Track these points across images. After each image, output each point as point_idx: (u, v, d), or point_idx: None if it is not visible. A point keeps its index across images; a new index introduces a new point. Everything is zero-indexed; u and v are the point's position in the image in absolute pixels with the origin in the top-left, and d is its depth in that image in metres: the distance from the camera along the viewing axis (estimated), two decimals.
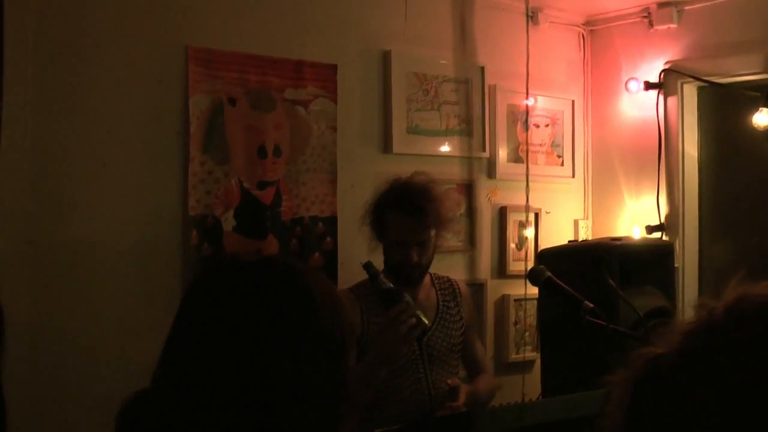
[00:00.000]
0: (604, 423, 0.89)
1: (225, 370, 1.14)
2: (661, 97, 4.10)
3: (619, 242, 3.55)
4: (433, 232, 2.90)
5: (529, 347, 4.08)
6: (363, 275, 2.87)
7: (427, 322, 2.72)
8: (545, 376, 3.57)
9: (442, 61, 3.86)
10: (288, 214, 3.35)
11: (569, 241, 4.05)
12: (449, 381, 2.84)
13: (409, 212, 2.85)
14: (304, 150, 3.41)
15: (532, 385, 3.81)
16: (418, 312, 2.67)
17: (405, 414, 2.77)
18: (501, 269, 4.08)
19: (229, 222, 3.20)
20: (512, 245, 4.10)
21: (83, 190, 2.89)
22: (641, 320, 2.96)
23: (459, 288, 3.10)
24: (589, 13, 4.39)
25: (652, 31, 4.14)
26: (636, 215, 4.23)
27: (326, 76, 3.47)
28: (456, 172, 3.87)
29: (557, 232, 4.21)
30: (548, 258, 3.44)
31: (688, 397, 0.81)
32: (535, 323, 3.97)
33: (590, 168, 4.47)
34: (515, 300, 4.05)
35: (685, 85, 4.07)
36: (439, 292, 3.03)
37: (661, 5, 4.06)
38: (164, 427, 1.14)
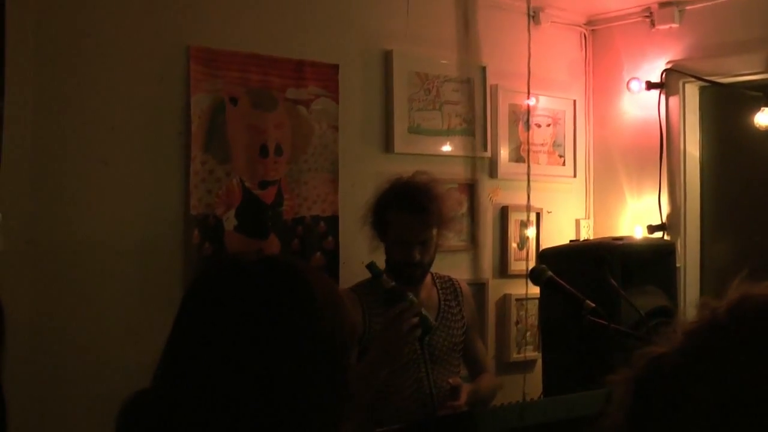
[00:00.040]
0: (605, 422, 0.89)
1: (226, 370, 1.14)
2: (663, 97, 4.10)
3: (620, 242, 3.55)
4: (435, 231, 2.90)
5: (530, 347, 4.08)
6: (364, 275, 2.87)
7: (433, 321, 2.72)
8: (546, 375, 3.57)
9: (444, 61, 3.86)
10: (289, 214, 3.35)
11: (571, 241, 4.05)
12: (450, 380, 2.84)
13: (411, 211, 2.85)
14: (306, 149, 3.40)
15: (533, 384, 3.80)
16: (423, 311, 2.68)
17: (406, 413, 2.77)
18: (502, 269, 4.07)
19: (230, 221, 3.20)
20: (514, 245, 4.10)
21: (84, 189, 2.89)
22: (643, 320, 2.96)
23: (460, 287, 3.10)
24: (591, 12, 4.38)
25: (653, 30, 4.13)
26: (637, 215, 4.22)
27: (328, 76, 3.46)
28: (457, 172, 3.87)
29: (559, 232, 4.21)
30: (550, 258, 3.44)
31: (690, 396, 0.81)
32: (536, 323, 3.97)
33: (592, 168, 4.47)
34: (517, 299, 4.05)
35: (686, 85, 4.07)
36: (440, 292, 3.03)
37: (662, 5, 4.06)
38: (165, 427, 1.14)
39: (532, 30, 4.04)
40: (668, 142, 4.09)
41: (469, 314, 3.09)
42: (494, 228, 4.06)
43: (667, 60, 4.09)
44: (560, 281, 2.63)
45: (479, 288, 3.92)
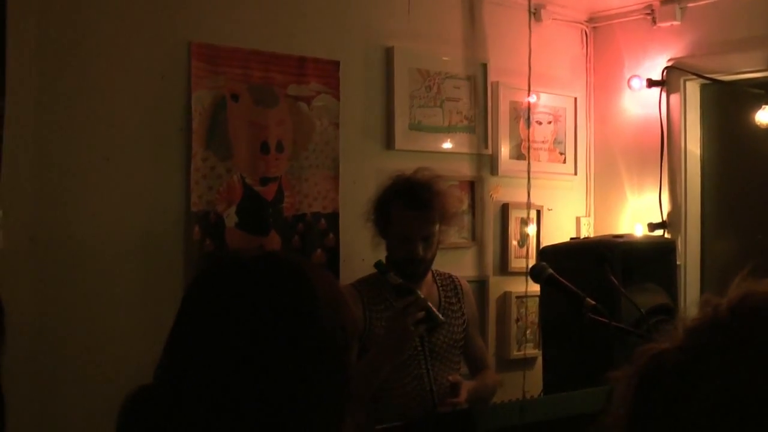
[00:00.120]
0: (606, 420, 0.89)
1: (226, 368, 1.14)
2: (664, 95, 4.10)
3: (621, 239, 3.55)
4: (437, 228, 2.90)
5: (530, 344, 4.08)
6: (365, 272, 2.87)
7: (441, 317, 2.73)
8: (547, 373, 3.57)
9: (445, 58, 3.86)
10: (290, 211, 3.35)
11: (571, 239, 4.05)
12: (450, 377, 2.84)
13: (414, 207, 2.85)
14: (307, 146, 3.40)
15: (533, 382, 3.81)
16: (431, 307, 2.69)
17: (406, 410, 2.78)
18: (503, 266, 4.07)
19: (231, 218, 3.20)
20: (514, 242, 4.10)
21: (85, 186, 2.89)
22: (643, 317, 2.97)
23: (460, 284, 3.11)
24: (592, 9, 4.38)
25: (655, 28, 4.13)
26: (638, 212, 4.22)
27: (329, 73, 3.46)
28: (458, 169, 3.87)
29: (559, 229, 4.21)
30: (550, 255, 3.44)
31: (692, 393, 0.81)
32: (536, 320, 3.98)
33: (592, 165, 4.46)
34: (517, 297, 4.05)
35: (687, 83, 4.07)
36: (440, 289, 3.03)
37: (664, 2, 4.06)
38: (166, 424, 1.14)
39: (533, 27, 4.05)
40: (669, 140, 4.09)
41: (470, 311, 3.09)
42: (495, 225, 4.06)
43: (669, 57, 4.09)
44: (561, 279, 2.63)
45: (480, 285, 3.93)
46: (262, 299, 1.18)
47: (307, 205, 3.40)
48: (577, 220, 4.39)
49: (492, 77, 4.02)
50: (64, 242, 2.83)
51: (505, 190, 4.07)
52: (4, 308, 1.37)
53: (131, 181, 2.98)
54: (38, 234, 2.78)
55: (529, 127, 4.14)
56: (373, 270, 2.87)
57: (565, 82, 4.35)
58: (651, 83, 4.11)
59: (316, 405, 1.16)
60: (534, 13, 4.12)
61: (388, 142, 3.67)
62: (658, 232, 4.07)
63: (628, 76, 4.20)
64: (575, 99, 4.38)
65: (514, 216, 4.09)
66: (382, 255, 2.95)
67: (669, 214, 4.09)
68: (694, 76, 4.02)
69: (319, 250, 3.43)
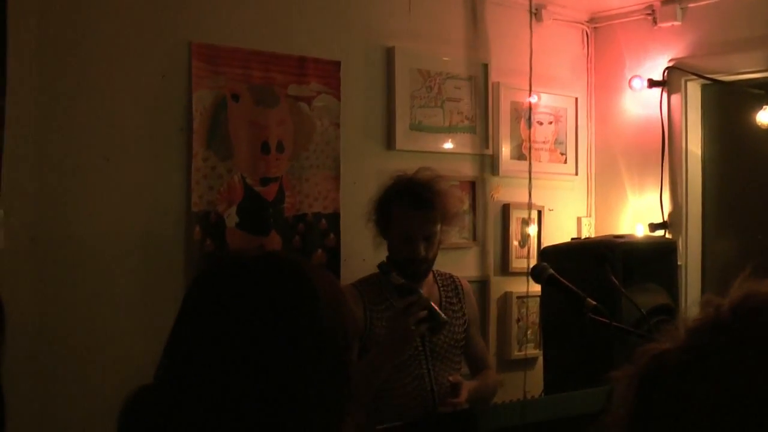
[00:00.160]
0: (607, 420, 0.89)
1: (227, 368, 1.14)
2: (665, 95, 4.10)
3: (622, 240, 3.55)
4: (438, 227, 2.90)
5: (531, 344, 4.08)
6: (366, 271, 2.87)
7: (444, 316, 2.73)
8: (548, 373, 3.57)
9: (446, 58, 3.86)
10: (291, 211, 3.35)
11: (572, 239, 4.05)
12: (451, 378, 2.84)
13: (416, 207, 2.86)
14: (307, 146, 3.40)
15: (534, 382, 3.81)
16: (435, 307, 2.69)
17: (407, 410, 2.78)
18: (504, 266, 4.07)
19: (232, 218, 3.20)
20: (515, 242, 4.10)
21: (86, 186, 2.89)
22: (644, 318, 2.97)
23: (461, 285, 3.10)
24: (593, 10, 4.38)
25: (655, 28, 4.13)
26: (639, 213, 4.22)
27: (329, 73, 3.46)
28: (459, 169, 3.87)
29: (560, 230, 4.21)
30: (551, 255, 3.44)
31: (693, 393, 0.81)
32: (537, 320, 3.97)
33: (593, 165, 4.46)
34: (518, 297, 4.05)
35: (688, 83, 4.07)
36: (441, 289, 3.03)
37: (665, 2, 4.06)
38: (166, 424, 1.14)
39: (534, 27, 4.04)
40: (670, 140, 4.08)
41: (471, 311, 3.09)
42: (496, 225, 4.06)
43: (669, 58, 4.09)
44: (561, 279, 2.63)
45: (481, 285, 3.93)
46: (263, 299, 1.18)
47: (307, 206, 3.40)
48: (578, 220, 4.39)
49: (493, 77, 4.02)
50: (64, 242, 2.83)
51: (506, 190, 4.07)
52: (4, 308, 1.37)
53: (131, 181, 2.98)
54: (38, 234, 2.78)
55: (530, 127, 4.14)
56: (374, 270, 2.87)
57: (566, 82, 4.35)
58: (652, 83, 4.11)
59: (316, 405, 1.16)
60: (535, 14, 4.12)
61: (389, 143, 3.67)
62: (659, 233, 4.07)
63: (629, 77, 4.20)
64: (576, 99, 4.38)
65: (515, 216, 4.09)
66: (383, 255, 2.95)
67: (670, 215, 4.09)
68: (695, 77, 4.02)
69: (319, 251, 3.43)
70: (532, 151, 4.13)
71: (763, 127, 3.79)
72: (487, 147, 4.00)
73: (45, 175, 2.80)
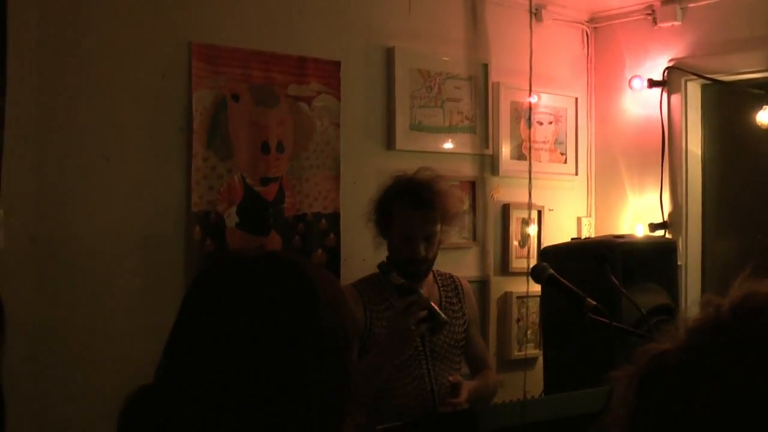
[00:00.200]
0: (607, 420, 0.89)
1: (227, 368, 1.14)
2: (665, 95, 4.10)
3: (622, 240, 3.55)
4: (438, 227, 2.90)
5: (531, 344, 4.08)
6: (366, 271, 2.87)
7: (444, 316, 2.73)
8: (548, 373, 3.57)
9: (446, 58, 3.86)
10: (291, 211, 3.35)
11: (572, 239, 4.05)
12: (451, 378, 2.84)
13: (416, 207, 2.86)
14: (307, 146, 3.40)
15: (534, 382, 3.81)
16: (435, 308, 2.69)
17: (407, 410, 2.78)
18: (504, 266, 4.07)
19: (232, 218, 3.20)
20: (515, 242, 4.10)
21: (86, 186, 2.89)
22: (644, 318, 2.97)
23: (461, 285, 3.10)
24: (593, 10, 4.38)
25: (655, 28, 4.13)
26: (639, 213, 4.22)
27: (329, 73, 3.46)
28: (459, 169, 3.87)
29: (560, 230, 4.21)
30: (551, 255, 3.44)
31: (693, 394, 0.81)
32: (537, 320, 3.97)
33: (593, 165, 4.46)
34: (518, 297, 4.05)
35: (688, 83, 4.07)
36: (441, 289, 3.03)
37: (665, 2, 4.06)
38: (166, 424, 1.14)
39: (534, 27, 4.04)
40: (670, 140, 4.08)
41: (470, 311, 3.09)
42: (496, 225, 4.06)
43: (669, 58, 4.09)
44: (561, 279, 2.63)
45: (481, 285, 3.93)
46: (263, 299, 1.18)
47: (307, 206, 3.40)
48: (578, 220, 4.39)
49: (493, 77, 4.02)
50: (64, 242, 2.83)
51: (506, 190, 4.07)
52: (4, 308, 1.37)
53: (131, 181, 2.98)
54: (38, 234, 2.78)
55: (530, 127, 4.14)
56: (374, 270, 2.87)
57: (566, 82, 4.35)
58: (652, 83, 4.11)
59: (316, 405, 1.16)
60: (535, 14, 4.12)
61: (389, 143, 3.67)
62: (659, 233, 4.07)
63: (629, 77, 4.20)
64: (576, 99, 4.38)
65: (515, 216, 4.09)
66: (383, 255, 2.95)
67: (670, 215, 4.09)
68: (695, 77, 4.02)
69: (319, 251, 3.43)
70: (532, 151, 4.13)
71: (763, 127, 3.79)
72: (487, 147, 4.00)
73: (45, 175, 2.80)
